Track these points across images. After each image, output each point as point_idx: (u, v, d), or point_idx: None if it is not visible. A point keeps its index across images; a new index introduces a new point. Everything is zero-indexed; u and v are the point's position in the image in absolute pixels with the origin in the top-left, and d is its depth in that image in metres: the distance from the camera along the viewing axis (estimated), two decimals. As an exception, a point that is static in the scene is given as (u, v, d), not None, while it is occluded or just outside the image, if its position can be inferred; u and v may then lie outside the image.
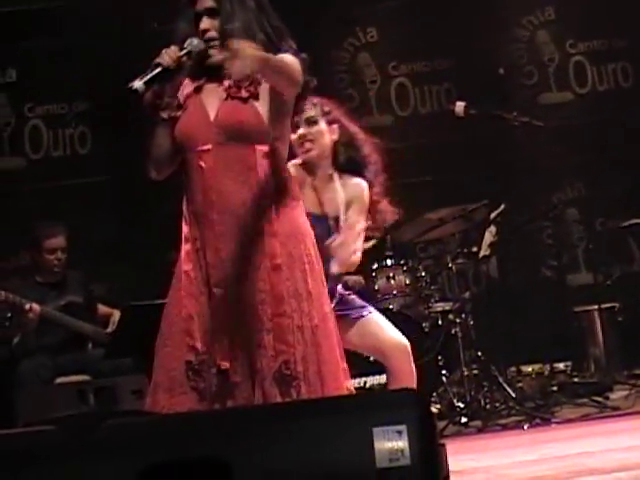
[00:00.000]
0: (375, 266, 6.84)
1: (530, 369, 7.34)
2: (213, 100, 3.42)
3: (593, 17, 8.62)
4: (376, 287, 6.79)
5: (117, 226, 8.17)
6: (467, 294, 6.82)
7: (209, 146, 3.34)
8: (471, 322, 6.66)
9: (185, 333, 3.31)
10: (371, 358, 6.32)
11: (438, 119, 8.44)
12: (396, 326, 6.37)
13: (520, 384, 7.09)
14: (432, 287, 6.97)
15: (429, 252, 8.33)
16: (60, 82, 8.25)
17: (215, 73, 3.43)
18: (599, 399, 6.48)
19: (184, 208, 3.43)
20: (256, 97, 3.39)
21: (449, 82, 8.71)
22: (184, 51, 3.34)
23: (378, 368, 6.30)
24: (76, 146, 8.44)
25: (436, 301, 6.90)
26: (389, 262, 6.88)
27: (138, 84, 3.24)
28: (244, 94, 3.37)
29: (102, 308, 6.82)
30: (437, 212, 6.86)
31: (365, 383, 6.31)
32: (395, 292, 6.76)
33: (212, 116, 3.39)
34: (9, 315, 6.33)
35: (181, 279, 3.37)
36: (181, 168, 3.46)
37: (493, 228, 6.89)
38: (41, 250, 6.59)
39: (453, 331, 6.64)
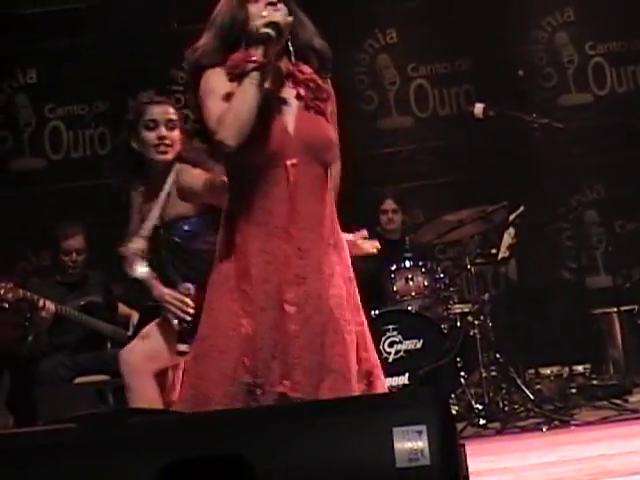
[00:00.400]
0: (394, 267, 6.87)
1: (549, 371, 7.31)
2: (286, 107, 3.30)
3: (612, 19, 8.60)
4: (395, 288, 6.83)
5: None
6: (486, 296, 6.80)
7: (294, 160, 3.22)
8: (490, 324, 6.65)
9: (243, 354, 3.16)
10: (390, 359, 6.38)
11: (457, 121, 8.44)
12: (415, 327, 6.44)
13: (539, 386, 7.08)
14: (451, 289, 6.97)
15: (448, 254, 8.33)
16: (79, 83, 8.30)
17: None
18: (618, 402, 6.45)
19: (240, 219, 3.27)
20: (331, 115, 3.37)
21: (468, 84, 8.71)
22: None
23: (397, 369, 6.36)
24: (96, 147, 8.49)
25: (455, 303, 6.90)
26: (408, 264, 6.91)
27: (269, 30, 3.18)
28: (324, 108, 3.32)
29: (123, 308, 6.85)
30: (456, 214, 6.88)
31: (384, 384, 6.31)
32: (414, 293, 6.80)
33: (291, 128, 3.26)
34: (29, 315, 6.38)
35: (233, 294, 3.21)
36: (241, 175, 3.30)
37: (512, 230, 6.88)
38: (59, 250, 6.65)
39: (472, 333, 6.63)
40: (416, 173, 8.48)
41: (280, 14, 3.24)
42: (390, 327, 6.42)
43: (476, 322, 6.64)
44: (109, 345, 6.56)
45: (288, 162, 3.20)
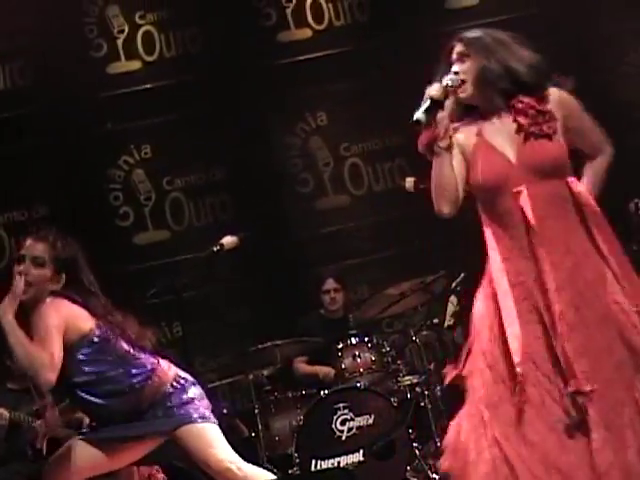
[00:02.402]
0: (340, 345, 6.92)
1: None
2: (502, 140, 3.55)
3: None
4: (343, 366, 6.86)
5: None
6: (432, 366, 6.88)
7: (522, 187, 3.44)
8: (439, 393, 6.72)
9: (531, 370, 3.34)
10: (343, 437, 6.42)
11: (393, 195, 8.55)
12: (365, 404, 6.49)
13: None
14: (399, 361, 7.01)
15: (395, 326, 8.41)
16: (19, 188, 8.36)
17: (474, 112, 3.64)
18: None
19: (495, 248, 3.52)
20: (556, 131, 3.52)
21: (401, 158, 8.85)
22: (445, 82, 3.58)
23: (351, 447, 6.39)
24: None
25: (404, 375, 6.93)
26: (354, 340, 6.94)
27: (419, 115, 3.52)
28: (546, 130, 3.50)
29: (76, 410, 6.83)
30: (398, 287, 6.98)
31: (339, 463, 6.35)
32: (362, 369, 6.82)
33: (512, 157, 3.51)
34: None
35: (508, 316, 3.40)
36: (482, 208, 3.62)
37: (454, 298, 7.00)
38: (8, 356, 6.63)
39: (422, 403, 6.70)
40: (358, 250, 8.59)
41: (435, 87, 3.57)
42: (341, 405, 6.43)
43: (426, 392, 6.71)
44: (64, 450, 6.51)
45: (514, 189, 3.45)
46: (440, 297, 7.08)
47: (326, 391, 6.60)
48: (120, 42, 8.86)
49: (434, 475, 6.43)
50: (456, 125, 3.64)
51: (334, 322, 7.48)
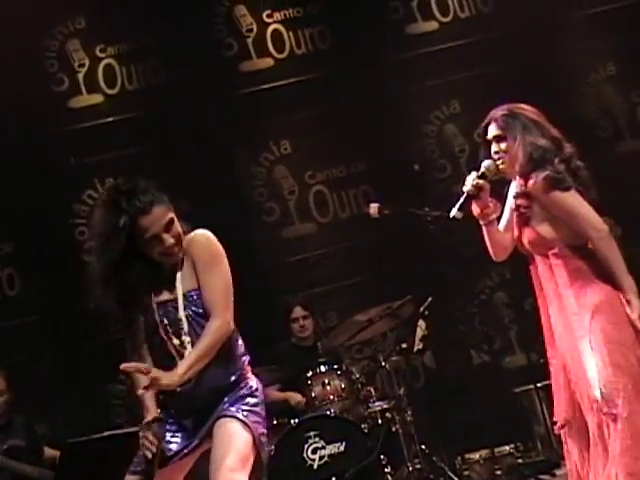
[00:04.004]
0: (310, 373, 6.91)
1: (477, 456, 7.31)
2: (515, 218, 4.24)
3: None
4: (313, 394, 6.85)
5: (53, 362, 8.22)
6: (401, 390, 6.89)
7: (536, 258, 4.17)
8: (409, 418, 6.73)
9: None
10: (315, 466, 6.41)
11: (358, 222, 8.56)
12: (336, 431, 6.47)
13: (467, 472, 7.14)
14: (368, 387, 7.03)
15: (365, 352, 8.40)
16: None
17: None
18: (545, 477, 6.56)
19: None
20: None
21: (365, 184, 8.91)
22: (480, 172, 4.17)
23: (323, 475, 6.38)
24: (5, 288, 8.47)
25: (374, 401, 6.95)
26: (323, 368, 6.94)
27: (456, 213, 4.14)
28: (528, 208, 4.15)
29: (49, 451, 6.81)
30: (365, 313, 6.99)
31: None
32: (332, 397, 6.81)
33: (517, 235, 4.20)
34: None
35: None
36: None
37: (422, 322, 7.02)
38: (-19, 396, 6.60)
39: (393, 429, 6.71)
40: (325, 277, 8.61)
41: (469, 181, 4.14)
42: (312, 434, 6.42)
43: (397, 417, 6.72)
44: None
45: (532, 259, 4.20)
46: (408, 322, 7.10)
47: (296, 420, 6.59)
48: (81, 76, 8.85)
49: (407, 500, 6.46)
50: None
51: (304, 350, 7.46)
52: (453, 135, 9.19)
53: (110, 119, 8.75)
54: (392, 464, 6.62)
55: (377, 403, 6.92)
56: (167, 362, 3.82)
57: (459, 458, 7.37)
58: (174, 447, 3.94)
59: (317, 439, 6.43)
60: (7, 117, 8.38)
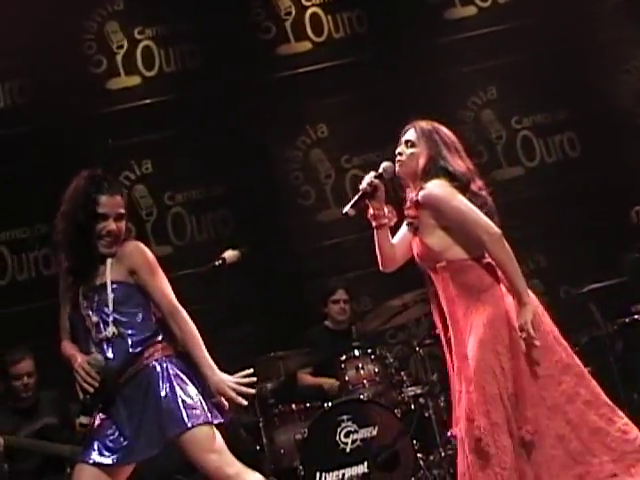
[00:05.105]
0: (343, 357, 6.91)
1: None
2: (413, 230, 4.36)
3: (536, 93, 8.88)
4: (346, 378, 6.85)
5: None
6: (435, 376, 6.86)
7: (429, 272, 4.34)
8: (442, 404, 6.71)
9: None
10: (347, 449, 6.42)
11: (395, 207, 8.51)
12: (369, 415, 6.47)
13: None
14: (402, 373, 7.03)
15: (399, 338, 8.39)
16: (20, 208, 8.34)
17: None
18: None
19: None
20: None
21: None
22: (377, 172, 4.31)
23: (356, 459, 6.39)
24: (41, 268, 8.51)
25: (408, 386, 6.94)
26: (357, 352, 6.94)
27: (349, 209, 4.25)
28: (416, 221, 4.31)
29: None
30: (400, 298, 6.96)
31: (344, 475, 6.35)
32: (365, 381, 6.81)
33: (413, 248, 4.36)
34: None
35: None
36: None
37: (456, 308, 6.97)
38: (9, 377, 6.62)
39: (426, 414, 6.70)
40: (360, 262, 8.53)
41: (366, 179, 4.28)
42: (344, 417, 6.44)
43: (430, 403, 6.70)
44: (68, 469, 6.48)
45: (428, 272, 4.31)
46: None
47: (330, 403, 6.60)
48: (119, 58, 8.88)
49: (439, 485, 6.45)
50: None
51: (338, 334, 7.47)
52: (489, 121, 9.13)
53: (147, 101, 8.77)
54: (424, 449, 6.63)
55: (410, 388, 6.91)
56: (83, 335, 4.22)
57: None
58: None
59: (350, 423, 6.44)
60: (46, 99, 8.42)
